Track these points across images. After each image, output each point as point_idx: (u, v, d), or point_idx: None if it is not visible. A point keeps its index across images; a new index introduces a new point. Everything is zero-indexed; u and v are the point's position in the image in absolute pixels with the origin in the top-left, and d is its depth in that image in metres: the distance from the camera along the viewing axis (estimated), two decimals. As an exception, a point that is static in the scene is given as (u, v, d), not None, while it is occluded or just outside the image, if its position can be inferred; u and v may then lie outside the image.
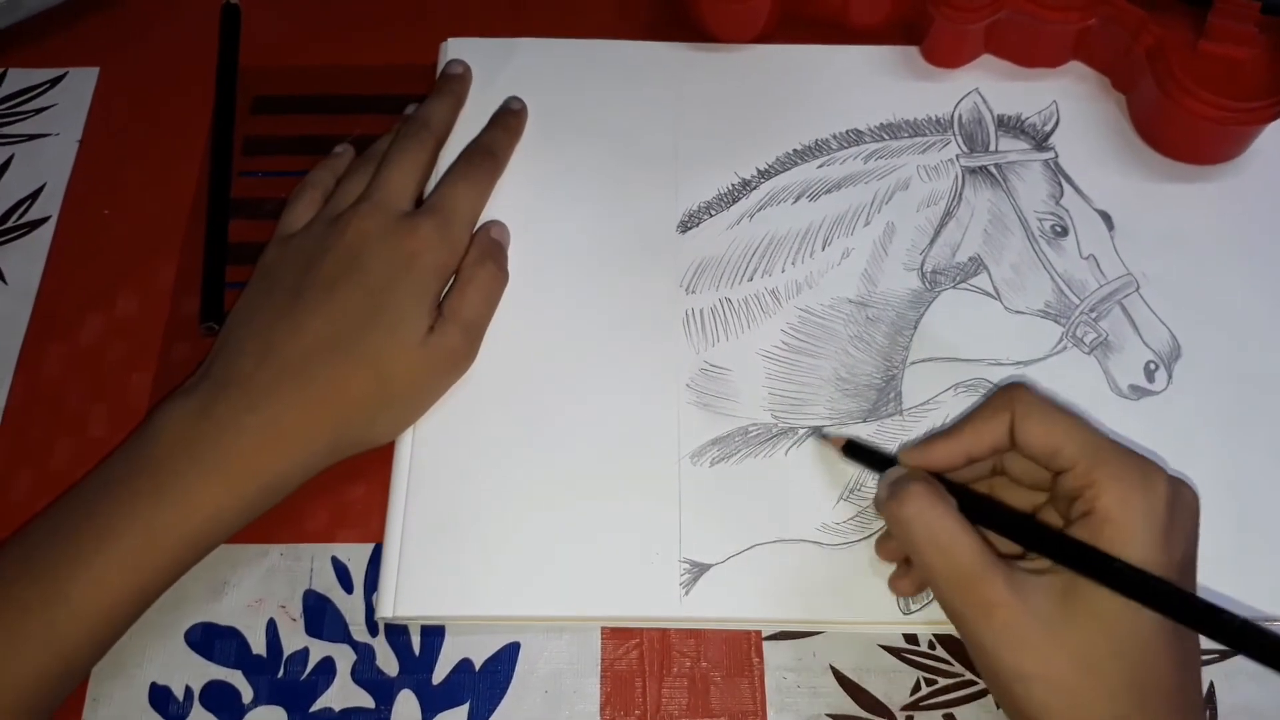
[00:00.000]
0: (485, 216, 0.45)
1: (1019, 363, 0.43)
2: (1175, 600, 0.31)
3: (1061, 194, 0.47)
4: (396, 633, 0.39)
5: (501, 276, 0.43)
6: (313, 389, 0.37)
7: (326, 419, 0.38)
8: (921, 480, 0.34)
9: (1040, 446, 0.34)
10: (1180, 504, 0.33)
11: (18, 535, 0.36)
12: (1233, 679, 0.38)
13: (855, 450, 0.39)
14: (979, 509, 0.35)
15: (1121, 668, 0.31)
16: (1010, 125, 0.49)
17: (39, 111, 0.50)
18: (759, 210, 0.46)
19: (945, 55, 0.50)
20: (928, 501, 0.33)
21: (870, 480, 0.41)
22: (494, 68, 0.49)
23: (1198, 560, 0.33)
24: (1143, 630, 0.31)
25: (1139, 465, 0.33)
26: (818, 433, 0.41)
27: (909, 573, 0.38)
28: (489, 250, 0.43)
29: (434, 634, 0.39)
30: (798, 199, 0.47)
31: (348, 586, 0.40)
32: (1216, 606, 0.31)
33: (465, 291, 0.41)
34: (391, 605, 0.38)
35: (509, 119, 0.47)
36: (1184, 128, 0.46)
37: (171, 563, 0.36)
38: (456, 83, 0.48)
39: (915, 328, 0.44)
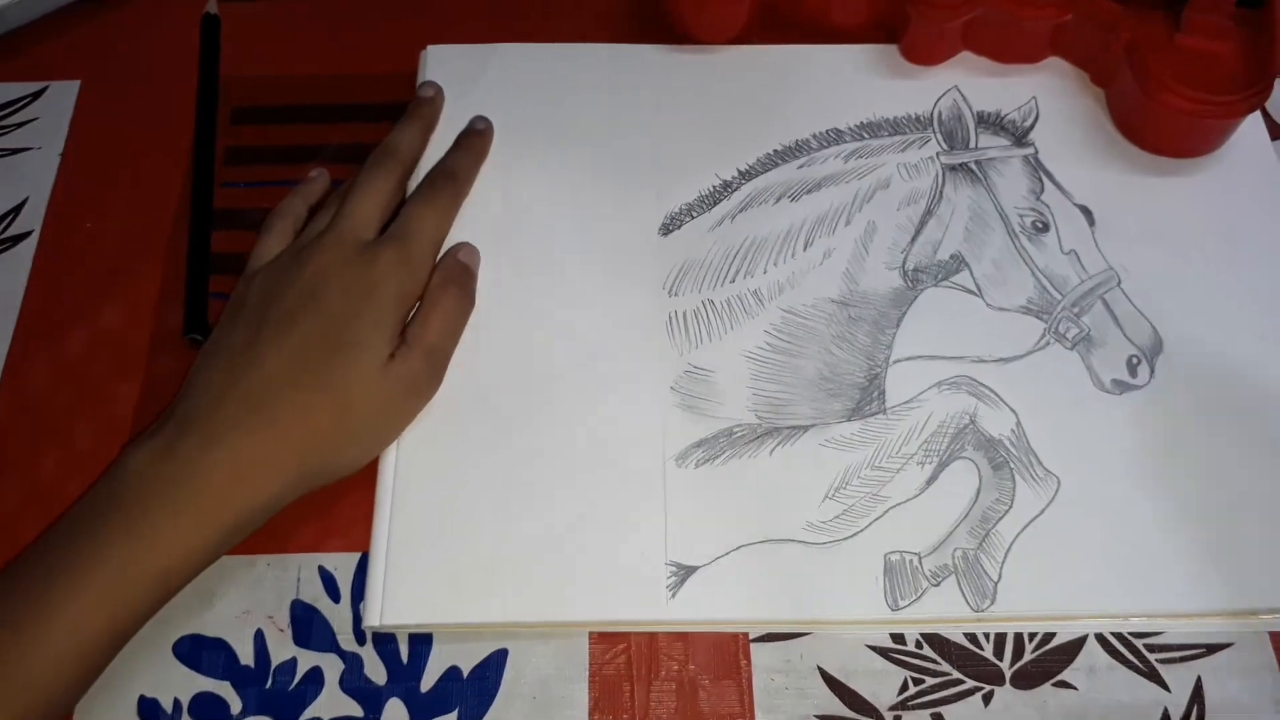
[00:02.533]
0: (466, 227, 0.45)
1: (1001, 359, 0.43)
2: None
3: (1042, 189, 0.47)
4: (384, 641, 0.39)
5: (466, 301, 0.43)
6: (275, 422, 0.37)
7: (290, 451, 0.37)
8: None
9: None
10: None
11: None
12: (1219, 675, 0.38)
13: None
14: None
15: None
16: (990, 122, 0.49)
17: (20, 125, 0.50)
18: (740, 211, 0.46)
19: (924, 53, 0.50)
20: None
21: (856, 479, 0.41)
22: (474, 74, 0.50)
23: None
24: None
25: None
26: None
27: None
28: (453, 275, 0.43)
29: (422, 642, 0.39)
30: (779, 200, 0.47)
31: (335, 596, 0.40)
32: None
33: (429, 317, 0.41)
34: (378, 613, 0.38)
35: (473, 140, 0.47)
36: (1162, 122, 0.46)
37: (146, 601, 0.36)
38: (426, 106, 0.48)
39: (898, 326, 0.44)
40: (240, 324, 0.40)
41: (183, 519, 0.36)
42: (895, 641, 0.39)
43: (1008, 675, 0.38)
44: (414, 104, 0.48)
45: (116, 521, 0.35)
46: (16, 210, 0.48)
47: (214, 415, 0.37)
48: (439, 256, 0.44)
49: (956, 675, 0.38)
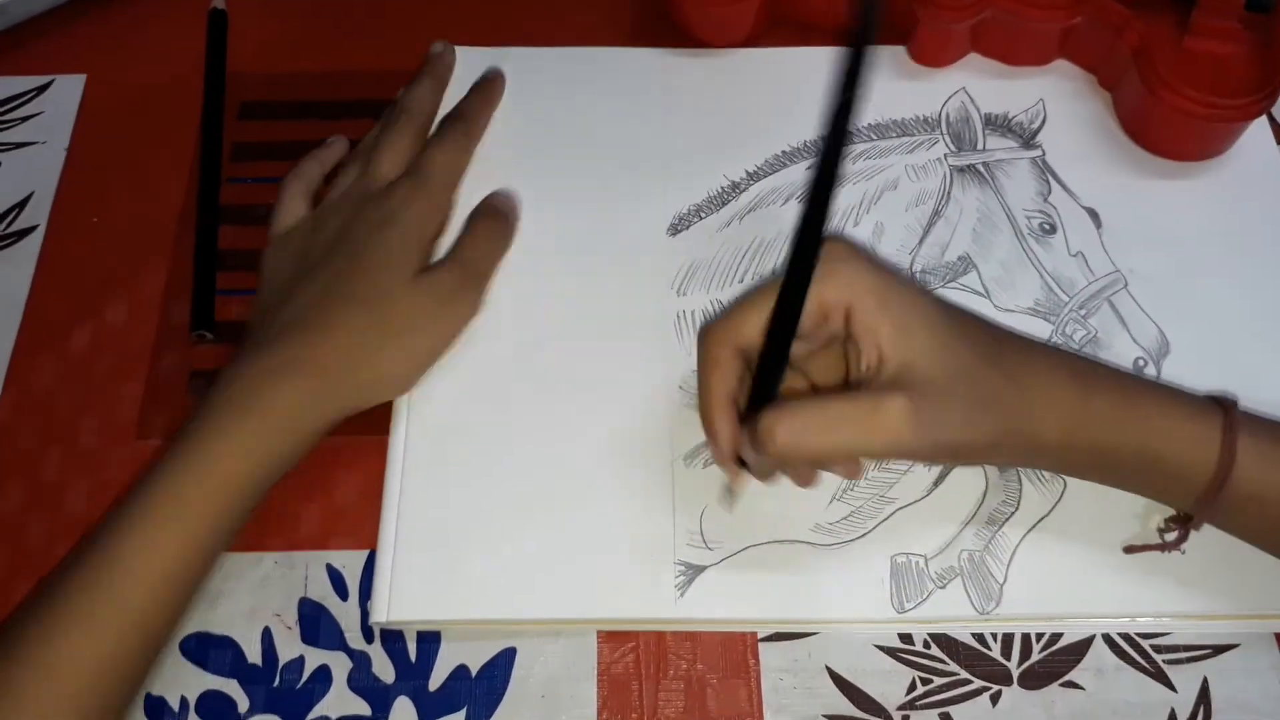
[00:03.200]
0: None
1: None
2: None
3: (1049, 191, 0.47)
4: (392, 639, 0.39)
5: (502, 226, 0.45)
6: (316, 329, 0.39)
7: (332, 353, 0.39)
8: (754, 422, 0.34)
9: (756, 335, 0.34)
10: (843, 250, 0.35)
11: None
12: (1226, 675, 0.39)
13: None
14: (763, 364, 0.35)
15: (960, 345, 0.34)
16: (997, 124, 0.49)
17: (26, 119, 0.50)
18: (748, 212, 0.46)
19: (932, 55, 0.50)
20: (782, 421, 0.33)
21: (863, 480, 0.41)
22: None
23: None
24: (931, 314, 0.34)
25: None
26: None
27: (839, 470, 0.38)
28: (486, 208, 0.45)
29: (430, 640, 0.39)
30: (786, 201, 0.47)
31: (343, 594, 0.40)
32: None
33: (462, 241, 0.44)
34: (386, 610, 0.38)
35: (483, 85, 0.49)
36: (1169, 124, 0.47)
37: (214, 513, 0.36)
38: (438, 63, 0.49)
39: (906, 327, 0.44)
40: (279, 282, 0.42)
41: (232, 424, 0.37)
42: (903, 641, 0.39)
43: (1015, 675, 0.38)
44: (427, 61, 0.49)
45: (179, 443, 0.37)
46: (22, 205, 0.47)
47: (265, 337, 0.39)
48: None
49: (964, 675, 0.38)
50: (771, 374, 0.35)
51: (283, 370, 0.38)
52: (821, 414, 0.34)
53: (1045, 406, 0.35)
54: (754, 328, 0.35)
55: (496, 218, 0.45)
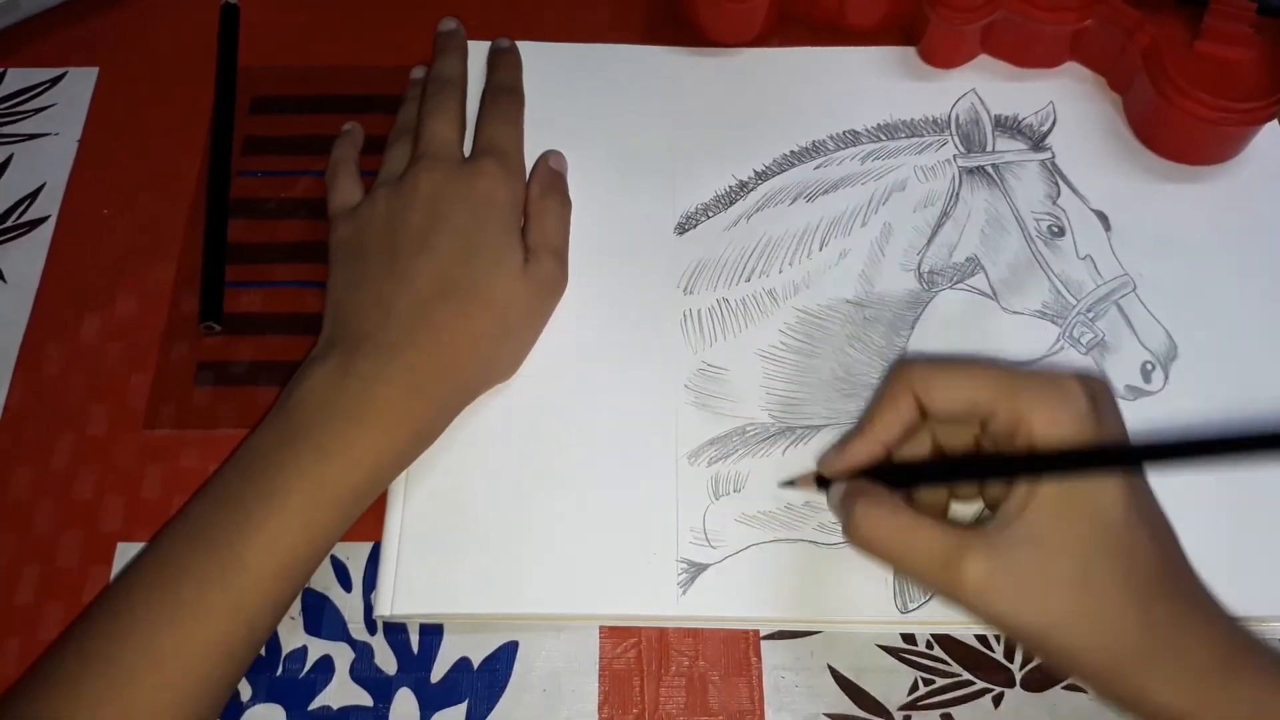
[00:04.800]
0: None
1: (1016, 363, 0.43)
2: (1125, 451, 0.32)
3: (1058, 194, 0.47)
4: (395, 631, 0.39)
5: (567, 203, 0.46)
6: (440, 333, 0.39)
7: (455, 358, 0.39)
8: (861, 496, 0.34)
9: (955, 408, 0.34)
10: (1099, 396, 0.33)
11: (180, 514, 0.37)
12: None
13: (822, 481, 0.39)
14: (926, 473, 0.36)
15: (1113, 564, 0.31)
16: (1007, 125, 0.49)
17: (38, 111, 0.50)
18: (756, 211, 0.46)
19: (942, 56, 0.50)
20: (873, 518, 0.33)
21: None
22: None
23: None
24: (1110, 513, 0.31)
25: (1051, 382, 0.33)
26: (789, 483, 0.41)
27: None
28: (550, 182, 0.46)
29: (432, 633, 0.39)
30: (795, 200, 0.47)
31: (346, 585, 0.40)
32: (1158, 441, 0.31)
33: (543, 222, 0.44)
34: (389, 603, 0.38)
35: (508, 57, 0.50)
36: (1180, 128, 0.46)
37: (339, 519, 0.37)
38: (456, 38, 0.50)
39: (912, 328, 0.44)
40: (370, 253, 0.41)
41: (367, 434, 0.37)
42: (906, 642, 0.39)
43: (1018, 677, 0.38)
44: (443, 38, 0.50)
45: (305, 441, 0.36)
46: (34, 195, 0.48)
47: (380, 335, 0.39)
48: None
49: (967, 676, 0.38)
50: (901, 478, 0.35)
51: (407, 378, 0.38)
52: (907, 535, 0.33)
53: (1176, 675, 0.31)
54: (949, 397, 0.34)
55: (561, 190, 0.46)
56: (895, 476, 0.36)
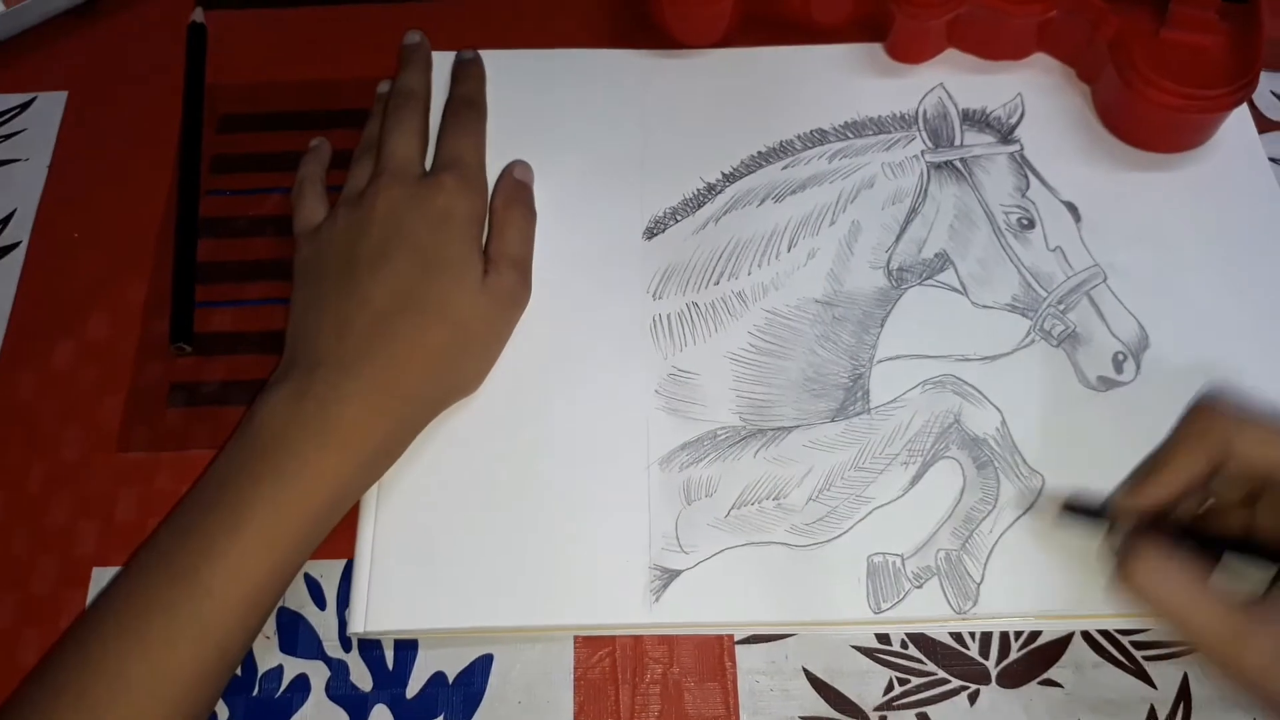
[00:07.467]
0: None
1: (986, 357, 0.43)
2: None
3: (1028, 186, 0.47)
4: (370, 647, 0.39)
5: (531, 215, 0.45)
6: (396, 348, 0.39)
7: (415, 373, 0.39)
8: (1150, 544, 0.33)
9: (1265, 465, 0.33)
10: None
11: (148, 541, 0.37)
12: (1205, 670, 0.38)
13: (1072, 508, 0.39)
14: (1216, 543, 0.34)
15: None
16: (975, 119, 0.49)
17: (8, 137, 0.50)
18: (724, 214, 0.46)
19: (909, 51, 0.50)
20: (1161, 572, 0.32)
21: (839, 480, 0.41)
22: (458, 79, 0.50)
23: None
24: None
25: None
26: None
27: None
28: (514, 193, 0.45)
29: (407, 648, 0.39)
30: (763, 201, 0.47)
31: (320, 603, 0.40)
32: None
33: (505, 234, 0.44)
34: (363, 620, 0.38)
35: (472, 69, 0.49)
36: (1147, 117, 0.46)
37: (303, 540, 0.37)
38: (421, 50, 0.50)
39: (882, 326, 0.44)
40: (329, 272, 0.41)
41: (327, 454, 0.37)
42: (880, 642, 0.39)
43: (994, 674, 0.38)
44: (408, 51, 0.49)
45: (263, 464, 0.37)
46: (4, 221, 0.48)
47: (338, 353, 0.39)
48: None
49: (942, 675, 0.38)
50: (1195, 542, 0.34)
51: (366, 396, 0.38)
52: (1193, 599, 0.32)
53: None
54: (1264, 454, 0.33)
55: (525, 202, 0.45)
56: (1190, 537, 0.35)
